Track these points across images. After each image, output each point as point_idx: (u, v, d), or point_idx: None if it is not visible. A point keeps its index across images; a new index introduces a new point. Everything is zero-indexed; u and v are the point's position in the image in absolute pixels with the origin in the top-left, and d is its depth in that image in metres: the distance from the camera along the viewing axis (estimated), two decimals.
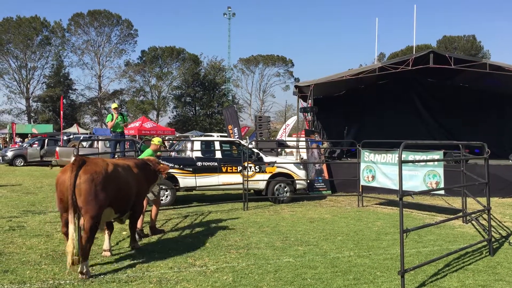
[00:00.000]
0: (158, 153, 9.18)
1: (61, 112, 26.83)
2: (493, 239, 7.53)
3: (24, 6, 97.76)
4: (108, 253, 6.82)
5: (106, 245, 6.90)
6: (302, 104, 19.60)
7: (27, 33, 57.58)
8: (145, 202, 8.10)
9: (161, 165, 7.85)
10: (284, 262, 6.56)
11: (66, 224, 5.81)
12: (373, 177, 11.71)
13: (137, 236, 7.54)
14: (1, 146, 37.14)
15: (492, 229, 8.06)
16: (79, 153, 7.71)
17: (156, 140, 8.86)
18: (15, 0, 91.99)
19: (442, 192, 11.72)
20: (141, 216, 8.03)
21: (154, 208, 8.61)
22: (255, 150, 13.30)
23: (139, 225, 7.93)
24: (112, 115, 13.28)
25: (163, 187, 10.84)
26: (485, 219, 8.90)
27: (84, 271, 5.74)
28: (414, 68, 16.52)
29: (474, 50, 66.07)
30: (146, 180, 7.32)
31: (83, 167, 5.93)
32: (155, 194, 8.55)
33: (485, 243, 7.50)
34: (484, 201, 7.86)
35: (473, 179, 9.46)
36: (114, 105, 13.76)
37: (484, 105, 20.98)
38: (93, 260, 6.49)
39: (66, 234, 5.82)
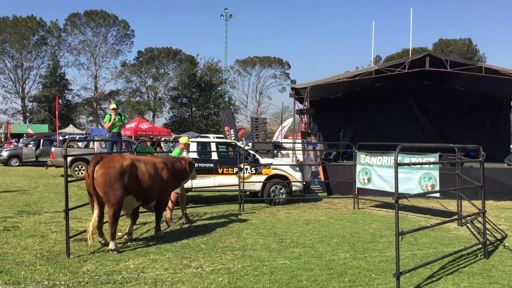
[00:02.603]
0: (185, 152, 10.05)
1: (56, 112, 26.68)
2: (488, 242, 7.54)
3: (21, 5, 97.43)
4: (128, 237, 7.82)
5: (129, 229, 7.93)
6: (299, 106, 19.61)
7: (23, 32, 57.36)
8: (173, 196, 9.37)
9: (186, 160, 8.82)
10: (280, 264, 6.56)
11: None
12: (369, 180, 11.74)
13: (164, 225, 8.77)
14: None
15: (487, 232, 8.08)
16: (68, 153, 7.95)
17: (184, 140, 9.99)
18: (12, 0, 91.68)
19: (438, 194, 11.76)
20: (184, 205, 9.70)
21: (181, 200, 9.69)
22: (251, 152, 13.31)
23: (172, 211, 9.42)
24: (110, 115, 13.26)
25: None
26: (480, 222, 8.92)
27: (113, 248, 6.93)
28: (410, 71, 16.57)
29: (470, 53, 66.22)
30: (174, 175, 8.22)
31: (100, 163, 7.00)
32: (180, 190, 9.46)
33: (480, 246, 7.52)
34: (479, 204, 7.89)
35: (468, 182, 9.52)
36: (112, 106, 13.73)
37: (479, 108, 21.08)
38: (88, 261, 6.48)
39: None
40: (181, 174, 8.53)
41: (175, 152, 9.61)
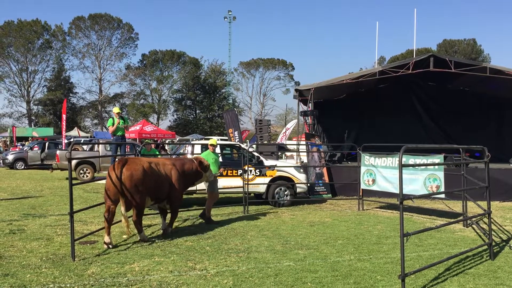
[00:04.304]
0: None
1: (64, 115, 26.53)
2: (493, 243, 7.51)
3: (25, 9, 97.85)
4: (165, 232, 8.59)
5: (162, 225, 8.81)
6: (303, 107, 19.62)
7: (28, 36, 57.58)
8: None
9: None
10: (285, 266, 6.55)
11: (108, 210, 7.62)
12: (374, 181, 11.71)
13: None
14: (2, 149, 37.15)
15: (493, 233, 8.05)
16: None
17: (211, 141, 10.36)
18: (17, 4, 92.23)
19: (443, 196, 11.73)
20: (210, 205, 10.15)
21: (208, 200, 10.12)
22: (256, 154, 13.31)
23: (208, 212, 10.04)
24: (113, 119, 13.30)
25: None
26: (485, 223, 8.89)
27: (142, 238, 7.86)
28: (414, 72, 16.55)
29: (474, 53, 66.01)
30: (184, 176, 8.71)
31: (126, 166, 7.63)
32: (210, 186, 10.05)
33: (485, 247, 7.49)
34: (484, 205, 7.85)
35: (474, 183, 9.47)
36: (116, 110, 13.77)
37: (484, 109, 21.02)
38: (94, 264, 6.50)
39: (106, 218, 7.57)
40: (192, 174, 8.96)
41: (203, 154, 9.99)
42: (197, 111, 71.72)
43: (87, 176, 19.00)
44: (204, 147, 13.54)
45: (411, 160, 10.61)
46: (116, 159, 9.59)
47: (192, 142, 15.94)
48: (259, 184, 12.58)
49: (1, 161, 26.64)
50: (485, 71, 16.13)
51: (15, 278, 5.78)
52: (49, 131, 45.75)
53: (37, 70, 60.42)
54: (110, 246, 7.42)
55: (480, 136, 19.59)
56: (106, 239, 7.46)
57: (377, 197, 13.24)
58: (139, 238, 7.92)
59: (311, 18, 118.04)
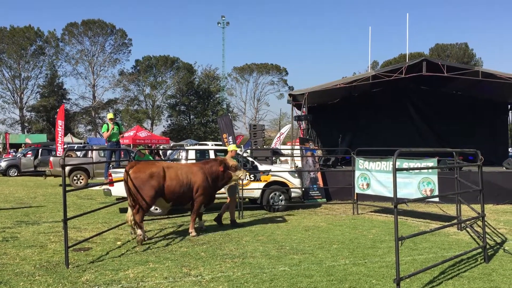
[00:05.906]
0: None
1: (61, 121, 26.07)
2: (488, 246, 7.54)
3: (18, 16, 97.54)
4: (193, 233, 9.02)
5: (200, 224, 9.53)
6: (296, 112, 19.66)
7: (21, 42, 57.41)
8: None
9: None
10: (280, 271, 6.54)
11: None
12: (368, 185, 11.73)
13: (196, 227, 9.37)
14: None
15: (487, 236, 8.07)
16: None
17: (231, 147, 10.54)
18: (9, 10, 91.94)
19: (437, 199, 11.73)
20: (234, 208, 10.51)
21: (230, 204, 10.38)
22: (250, 159, 13.30)
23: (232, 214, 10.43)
24: (108, 125, 13.27)
25: None
26: (479, 226, 8.92)
27: (140, 236, 8.06)
28: (407, 76, 16.63)
29: (466, 57, 66.49)
30: (212, 178, 9.14)
31: (132, 169, 8.30)
32: (230, 190, 10.36)
33: (480, 250, 7.51)
34: (478, 208, 7.89)
35: (467, 186, 9.51)
36: (110, 115, 13.76)
37: (477, 112, 21.14)
38: (87, 271, 6.45)
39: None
40: (220, 176, 9.35)
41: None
42: (191, 117, 71.71)
43: (80, 182, 18.90)
44: (198, 153, 13.56)
45: (405, 164, 10.63)
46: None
47: (187, 148, 15.91)
48: (254, 189, 12.56)
49: None
50: (478, 75, 16.24)
51: (8, 286, 5.73)
52: (42, 138, 45.54)
53: (30, 76, 60.30)
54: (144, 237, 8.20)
55: (473, 139, 19.67)
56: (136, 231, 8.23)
57: (372, 201, 13.25)
58: (135, 238, 8.12)
59: (305, 23, 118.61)
